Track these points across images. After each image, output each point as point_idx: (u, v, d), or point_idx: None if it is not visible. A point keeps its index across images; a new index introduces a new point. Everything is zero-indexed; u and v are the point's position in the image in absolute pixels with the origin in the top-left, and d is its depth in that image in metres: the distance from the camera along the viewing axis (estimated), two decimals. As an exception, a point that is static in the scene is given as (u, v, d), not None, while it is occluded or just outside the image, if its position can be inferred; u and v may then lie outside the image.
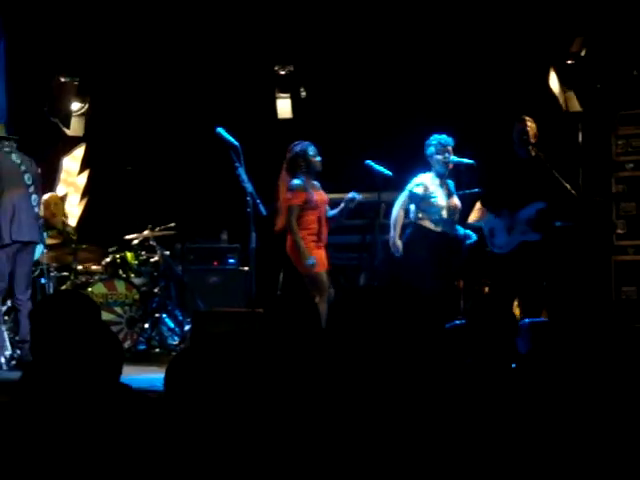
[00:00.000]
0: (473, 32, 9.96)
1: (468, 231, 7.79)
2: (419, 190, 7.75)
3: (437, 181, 7.80)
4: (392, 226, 7.77)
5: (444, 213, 7.78)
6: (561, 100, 9.55)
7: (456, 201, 7.84)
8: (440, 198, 7.77)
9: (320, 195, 7.63)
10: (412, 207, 7.77)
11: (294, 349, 3.15)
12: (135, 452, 2.45)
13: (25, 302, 7.67)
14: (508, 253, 7.62)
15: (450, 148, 7.75)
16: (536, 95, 9.42)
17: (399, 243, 7.71)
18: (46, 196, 9.44)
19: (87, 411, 2.53)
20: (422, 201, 7.75)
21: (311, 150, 7.56)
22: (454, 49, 10.04)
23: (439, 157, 7.75)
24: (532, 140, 7.61)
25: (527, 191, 7.57)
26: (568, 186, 7.58)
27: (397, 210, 7.77)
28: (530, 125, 7.66)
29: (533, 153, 7.59)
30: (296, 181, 7.48)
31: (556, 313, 7.67)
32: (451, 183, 7.88)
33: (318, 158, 7.57)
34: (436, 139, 7.77)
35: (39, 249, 8.03)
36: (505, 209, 7.59)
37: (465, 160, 7.78)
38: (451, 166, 7.78)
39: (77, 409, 2.54)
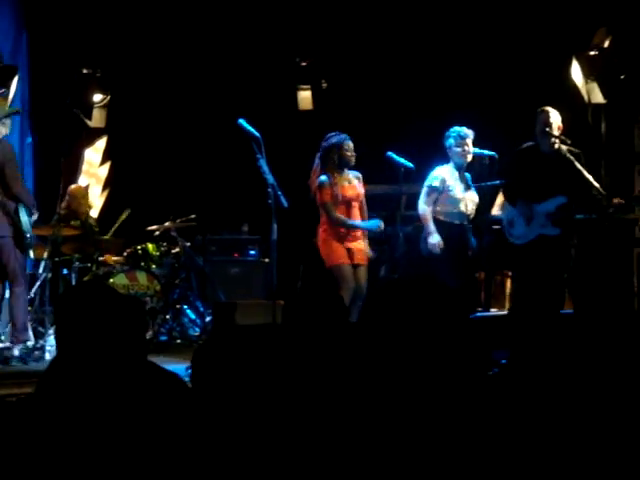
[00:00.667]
0: (495, 22, 9.92)
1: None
2: (437, 183, 7.72)
3: (455, 174, 7.77)
4: (426, 225, 7.68)
5: (462, 206, 7.75)
6: (584, 91, 9.50)
7: (473, 194, 7.81)
8: (458, 191, 7.74)
9: (353, 189, 7.59)
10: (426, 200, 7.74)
11: (318, 342, 3.15)
12: (164, 433, 2.46)
13: None
14: (527, 244, 7.60)
15: (469, 141, 7.71)
16: (558, 86, 9.38)
17: (435, 240, 7.61)
18: (72, 187, 9.49)
19: (117, 394, 2.55)
20: (440, 194, 7.73)
21: (346, 145, 7.52)
22: (476, 39, 10.01)
23: (458, 150, 7.72)
24: (555, 132, 7.55)
25: (548, 184, 7.53)
26: (591, 178, 7.54)
27: (422, 207, 7.73)
28: (553, 116, 7.62)
29: (556, 146, 7.54)
30: (322, 178, 7.46)
31: (580, 305, 7.64)
32: (468, 176, 7.85)
33: (352, 153, 7.53)
34: (455, 131, 7.73)
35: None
36: (523, 199, 7.55)
37: (486, 152, 7.76)
38: (470, 158, 7.74)
39: (106, 394, 2.56)
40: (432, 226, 7.64)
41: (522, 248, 7.60)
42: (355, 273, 7.50)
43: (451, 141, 7.73)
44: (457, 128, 7.74)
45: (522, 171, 7.57)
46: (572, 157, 7.45)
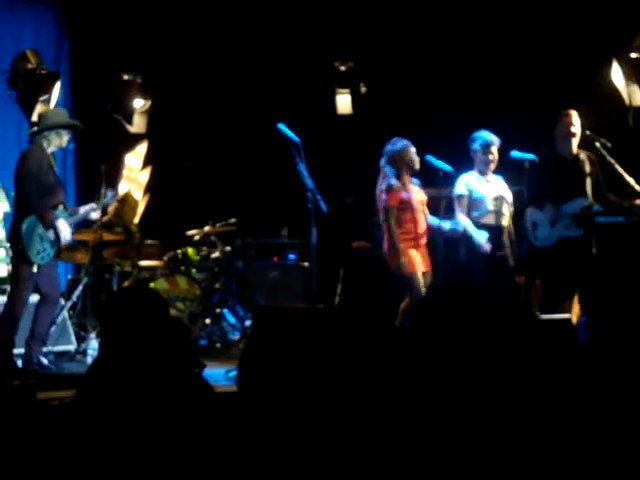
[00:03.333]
0: (536, 25, 9.87)
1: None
2: (462, 190, 7.73)
3: (481, 178, 7.77)
4: (468, 230, 7.68)
5: (489, 205, 7.74)
6: (625, 94, 9.42)
7: (505, 196, 7.78)
8: (482, 190, 7.73)
9: (418, 194, 7.62)
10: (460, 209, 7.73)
11: (361, 347, 3.15)
12: (208, 442, 2.47)
13: None
14: (550, 247, 7.59)
15: (494, 149, 7.70)
16: (599, 89, 9.31)
17: (483, 238, 7.60)
18: (125, 193, 9.54)
19: (161, 402, 2.56)
20: (470, 199, 7.73)
21: (411, 150, 7.57)
22: (516, 42, 9.96)
23: (482, 157, 7.73)
24: (575, 135, 7.58)
25: (570, 186, 7.53)
26: (632, 181, 7.50)
27: (459, 216, 7.74)
28: (575, 119, 7.62)
29: (574, 150, 7.57)
30: (391, 181, 7.52)
31: (596, 309, 7.56)
32: (500, 178, 7.82)
33: (416, 158, 7.58)
34: (481, 138, 7.72)
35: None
36: (549, 202, 7.54)
37: (527, 155, 7.72)
38: (493, 167, 7.72)
39: (150, 401, 2.57)
40: (472, 229, 7.63)
41: (547, 251, 7.59)
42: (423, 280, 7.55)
43: (476, 146, 7.73)
44: (483, 134, 7.72)
45: (544, 174, 7.57)
46: (588, 162, 7.49)
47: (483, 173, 7.76)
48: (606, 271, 7.36)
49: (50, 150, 7.31)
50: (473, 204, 7.73)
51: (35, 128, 7.46)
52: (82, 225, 8.14)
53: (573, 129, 7.57)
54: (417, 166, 7.59)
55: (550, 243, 7.61)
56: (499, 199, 7.75)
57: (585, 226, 7.52)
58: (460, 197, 7.73)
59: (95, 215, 7.72)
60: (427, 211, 7.74)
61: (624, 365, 2.85)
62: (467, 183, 7.75)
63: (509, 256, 7.77)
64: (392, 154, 7.59)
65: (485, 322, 2.33)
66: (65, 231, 7.27)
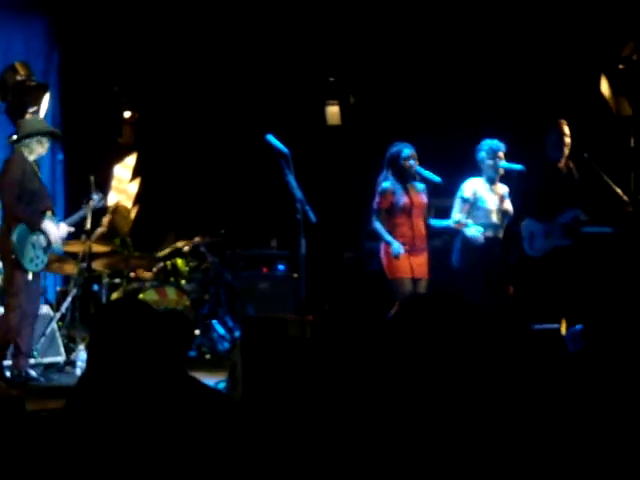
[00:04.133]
0: (524, 38, 9.92)
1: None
2: (468, 194, 7.73)
3: (487, 186, 7.78)
4: (462, 230, 7.68)
5: (493, 217, 7.75)
6: (612, 104, 9.47)
7: (508, 206, 7.81)
8: (490, 202, 7.74)
9: (416, 198, 7.63)
10: (457, 214, 7.74)
11: (349, 357, 3.17)
12: (206, 447, 2.48)
13: None
14: (543, 256, 7.63)
15: (501, 154, 7.73)
16: (587, 99, 9.36)
17: (477, 231, 7.60)
18: (117, 204, 9.52)
19: (149, 408, 2.57)
20: (472, 205, 7.73)
21: (404, 154, 7.60)
22: (504, 54, 10.01)
23: (490, 162, 7.73)
24: (567, 145, 7.63)
25: (564, 196, 7.58)
26: (619, 190, 7.55)
27: (454, 217, 7.74)
28: (566, 129, 7.67)
29: (563, 162, 7.63)
30: (384, 184, 7.56)
31: (588, 319, 7.59)
32: (505, 187, 7.85)
33: (411, 162, 7.58)
34: (487, 144, 7.75)
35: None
36: (547, 213, 7.60)
37: (515, 166, 7.75)
38: (502, 172, 7.75)
39: (139, 411, 2.58)
40: (464, 228, 7.63)
41: (538, 260, 7.63)
42: (415, 287, 7.53)
43: (483, 154, 7.75)
44: (489, 141, 7.76)
45: (536, 184, 7.61)
46: (576, 170, 7.55)
47: (492, 181, 7.76)
48: (593, 281, 7.40)
49: (32, 158, 7.29)
50: (476, 213, 7.72)
51: (14, 136, 7.43)
52: (71, 236, 8.13)
53: (566, 138, 7.62)
54: (412, 171, 7.58)
55: (542, 254, 7.66)
56: (502, 210, 7.75)
57: (573, 235, 7.57)
58: (465, 201, 7.72)
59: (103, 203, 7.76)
60: (427, 213, 7.73)
61: (615, 373, 2.87)
62: (475, 189, 7.73)
63: (500, 266, 7.78)
64: (389, 157, 7.64)
65: (459, 332, 2.34)
66: (54, 232, 7.28)
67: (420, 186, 7.70)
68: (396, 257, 7.44)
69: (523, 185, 7.79)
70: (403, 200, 7.55)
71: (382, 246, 7.65)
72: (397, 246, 7.46)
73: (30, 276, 7.17)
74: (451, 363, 2.31)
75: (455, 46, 10.23)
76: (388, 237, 7.51)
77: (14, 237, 7.07)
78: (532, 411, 2.72)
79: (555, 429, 2.66)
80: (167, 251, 9.41)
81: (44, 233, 7.23)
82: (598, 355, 3.08)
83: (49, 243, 7.30)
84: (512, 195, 7.87)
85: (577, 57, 9.59)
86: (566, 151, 7.66)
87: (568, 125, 7.76)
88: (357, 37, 10.48)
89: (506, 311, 3.00)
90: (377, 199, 7.59)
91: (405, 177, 7.61)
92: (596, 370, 2.95)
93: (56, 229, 7.32)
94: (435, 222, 7.79)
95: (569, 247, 7.60)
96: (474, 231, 7.59)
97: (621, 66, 9.35)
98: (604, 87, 9.48)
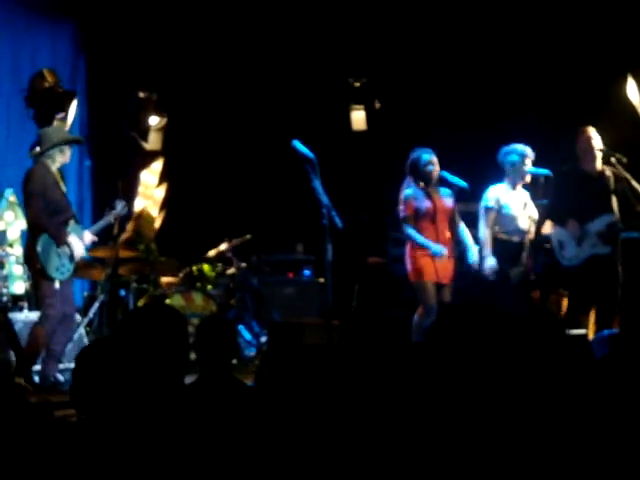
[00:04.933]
0: (550, 41, 9.88)
1: None
2: (491, 203, 7.70)
3: (511, 191, 7.73)
4: (483, 249, 7.64)
5: (520, 223, 7.71)
6: (639, 109, 9.41)
7: (532, 211, 7.77)
8: (515, 208, 7.69)
9: (440, 203, 7.63)
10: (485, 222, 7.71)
11: (376, 363, 3.16)
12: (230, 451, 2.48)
13: None
14: (579, 266, 7.56)
15: (528, 159, 7.68)
16: (614, 104, 9.31)
17: (490, 264, 7.58)
18: (142, 210, 9.56)
19: (178, 417, 2.58)
20: (497, 213, 7.70)
21: (423, 159, 7.60)
22: (531, 59, 9.98)
23: (521, 168, 7.68)
24: (597, 151, 7.55)
25: (594, 203, 7.51)
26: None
27: (481, 230, 7.70)
28: (595, 135, 7.60)
29: (599, 166, 7.55)
30: (406, 191, 7.58)
31: (630, 324, 7.56)
32: (527, 193, 7.81)
33: (430, 168, 7.58)
34: (514, 149, 7.71)
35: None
36: (573, 220, 7.53)
37: (542, 170, 7.71)
38: (528, 178, 7.70)
39: (167, 415, 2.59)
40: (488, 250, 7.60)
41: (575, 269, 7.56)
42: (440, 292, 7.51)
43: (509, 158, 7.68)
44: (516, 145, 7.70)
45: (568, 191, 7.54)
46: (613, 178, 7.47)
47: (515, 186, 7.71)
48: (632, 287, 7.34)
49: (55, 167, 7.32)
50: (501, 219, 7.68)
51: (37, 149, 7.43)
52: (98, 242, 8.17)
53: (595, 143, 7.56)
54: (432, 176, 7.58)
55: (578, 262, 7.56)
56: (527, 215, 7.71)
57: (612, 243, 7.50)
58: (488, 210, 7.69)
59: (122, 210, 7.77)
60: (457, 218, 7.70)
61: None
62: (497, 197, 7.69)
63: (527, 271, 7.74)
64: (409, 164, 7.65)
65: (496, 340, 2.34)
66: (78, 247, 7.29)
67: (445, 191, 7.68)
68: (439, 256, 7.41)
69: (550, 190, 7.74)
70: (426, 205, 7.54)
71: (407, 250, 7.64)
72: (436, 246, 7.44)
73: (57, 284, 7.20)
74: (486, 373, 2.31)
75: (481, 51, 10.21)
76: (423, 240, 7.48)
77: (39, 247, 7.10)
78: (561, 415, 2.71)
79: (582, 433, 2.65)
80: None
81: (69, 246, 7.25)
82: (626, 361, 3.07)
83: (72, 256, 7.30)
84: (535, 200, 7.82)
85: (604, 61, 9.54)
86: (598, 157, 7.58)
87: (596, 130, 7.71)
88: (383, 42, 10.48)
89: (542, 317, 2.99)
90: (402, 207, 7.59)
91: (426, 182, 7.60)
92: (622, 376, 2.93)
93: (80, 244, 7.29)
94: (463, 233, 7.73)
95: (608, 254, 7.51)
96: (488, 262, 7.57)
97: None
98: (631, 91, 9.43)
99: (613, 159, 7.67)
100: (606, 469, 2.50)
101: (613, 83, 9.49)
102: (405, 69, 10.56)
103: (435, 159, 7.62)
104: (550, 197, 7.72)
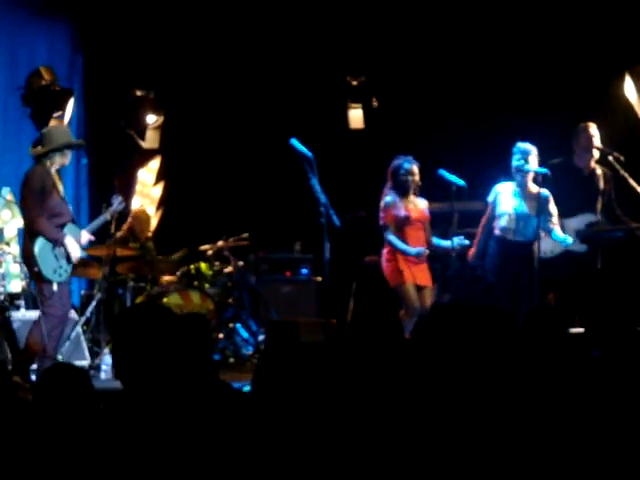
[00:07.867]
0: (549, 39, 9.88)
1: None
2: (490, 198, 7.73)
3: (517, 190, 7.67)
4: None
5: (519, 222, 7.67)
6: (637, 107, 9.42)
7: (544, 209, 7.73)
8: (515, 206, 7.65)
9: (416, 211, 7.68)
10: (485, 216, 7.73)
11: (374, 360, 3.16)
12: (224, 449, 2.48)
13: None
14: (552, 258, 7.57)
15: (530, 157, 7.63)
16: (611, 102, 9.31)
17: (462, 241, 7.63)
18: (137, 209, 9.55)
19: (174, 416, 2.57)
20: (495, 209, 7.71)
21: (403, 168, 7.65)
22: (529, 57, 9.97)
23: (517, 166, 7.68)
24: (596, 149, 7.56)
25: (579, 199, 7.53)
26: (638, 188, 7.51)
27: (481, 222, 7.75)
28: (595, 132, 7.61)
29: (592, 164, 7.56)
30: (386, 199, 7.66)
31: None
32: (537, 189, 7.71)
33: (409, 178, 7.63)
34: (518, 148, 7.68)
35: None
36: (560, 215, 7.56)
37: (539, 169, 7.69)
38: (531, 176, 7.65)
39: (163, 415, 2.58)
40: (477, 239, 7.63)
41: (547, 262, 7.56)
42: (420, 295, 7.56)
43: (513, 157, 7.67)
44: (520, 144, 7.68)
45: (555, 184, 7.55)
46: (603, 178, 7.48)
47: (522, 184, 7.67)
48: (610, 285, 7.34)
49: (54, 169, 7.27)
50: (500, 215, 7.67)
51: (39, 148, 7.35)
52: (96, 241, 8.16)
53: (595, 141, 7.57)
54: (409, 185, 7.64)
55: (552, 255, 7.60)
56: (530, 215, 7.64)
57: (590, 242, 7.50)
58: (488, 204, 7.73)
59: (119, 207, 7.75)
60: (429, 228, 7.79)
61: (624, 378, 2.85)
62: (497, 193, 7.66)
63: (532, 270, 7.70)
64: (390, 170, 7.74)
65: (483, 338, 2.34)
66: (74, 250, 7.25)
67: (422, 201, 7.76)
68: (420, 256, 7.47)
69: (548, 188, 7.74)
70: (403, 213, 7.61)
71: (383, 254, 7.69)
72: (415, 249, 7.52)
73: (55, 286, 7.18)
74: (475, 370, 2.30)
75: (479, 49, 10.20)
76: (402, 246, 7.61)
77: (36, 250, 7.07)
78: (561, 412, 2.70)
79: (582, 431, 2.65)
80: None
81: (65, 248, 7.21)
82: (609, 360, 3.07)
83: (69, 258, 7.26)
84: None
85: (602, 59, 9.54)
86: (594, 155, 7.59)
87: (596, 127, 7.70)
88: (381, 40, 10.47)
89: (544, 315, 2.99)
90: (381, 214, 7.69)
91: (404, 191, 7.65)
92: (608, 374, 2.93)
93: (77, 246, 7.24)
94: (437, 241, 7.79)
95: (584, 253, 7.53)
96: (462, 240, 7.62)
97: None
98: (629, 89, 9.44)
99: (611, 157, 7.67)
100: (606, 469, 2.49)
101: (610, 81, 9.49)
102: (403, 67, 10.55)
103: (416, 169, 7.70)
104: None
